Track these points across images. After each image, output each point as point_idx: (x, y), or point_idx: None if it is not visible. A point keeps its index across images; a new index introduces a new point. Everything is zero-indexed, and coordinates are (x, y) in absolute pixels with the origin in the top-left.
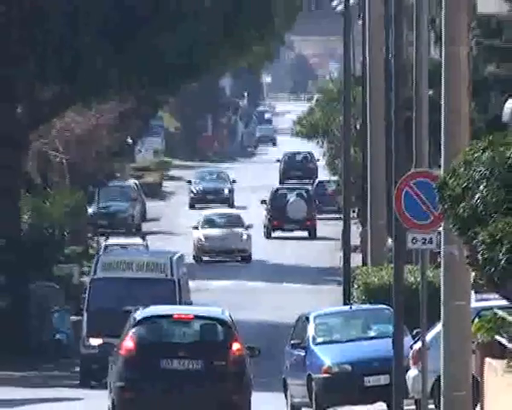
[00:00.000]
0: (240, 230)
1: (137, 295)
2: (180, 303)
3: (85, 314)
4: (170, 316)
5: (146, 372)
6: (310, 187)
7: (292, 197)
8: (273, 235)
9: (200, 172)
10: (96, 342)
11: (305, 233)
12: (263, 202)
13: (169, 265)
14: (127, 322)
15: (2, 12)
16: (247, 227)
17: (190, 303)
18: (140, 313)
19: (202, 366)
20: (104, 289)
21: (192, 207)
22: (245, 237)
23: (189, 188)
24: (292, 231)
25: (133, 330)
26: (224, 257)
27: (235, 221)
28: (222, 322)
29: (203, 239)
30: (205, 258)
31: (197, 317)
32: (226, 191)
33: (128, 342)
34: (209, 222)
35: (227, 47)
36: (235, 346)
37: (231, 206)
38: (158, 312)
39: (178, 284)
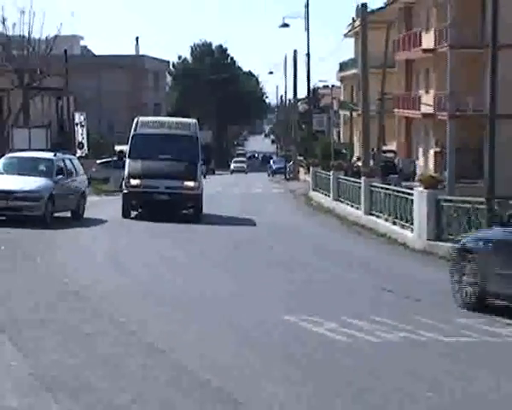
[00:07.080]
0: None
1: (167, 147)
2: (199, 153)
3: (127, 160)
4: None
5: None
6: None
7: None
8: None
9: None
10: (135, 182)
11: None
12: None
13: (193, 124)
14: None
15: None
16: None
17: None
18: None
19: None
20: (141, 142)
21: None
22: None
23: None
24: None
25: None
26: None
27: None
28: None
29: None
30: None
31: None
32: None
33: None
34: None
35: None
36: None
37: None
38: None
39: (197, 140)
